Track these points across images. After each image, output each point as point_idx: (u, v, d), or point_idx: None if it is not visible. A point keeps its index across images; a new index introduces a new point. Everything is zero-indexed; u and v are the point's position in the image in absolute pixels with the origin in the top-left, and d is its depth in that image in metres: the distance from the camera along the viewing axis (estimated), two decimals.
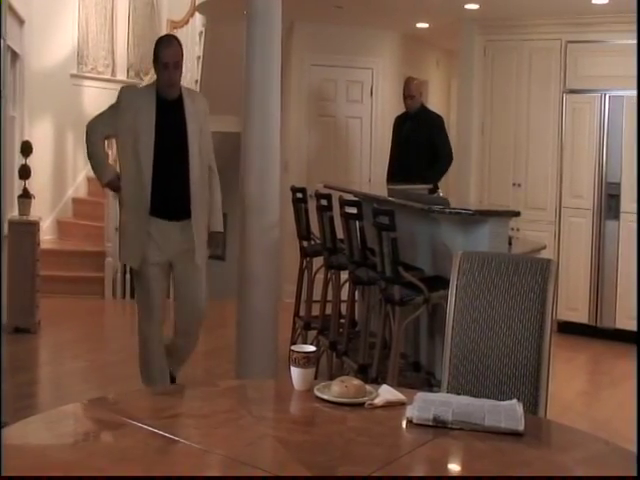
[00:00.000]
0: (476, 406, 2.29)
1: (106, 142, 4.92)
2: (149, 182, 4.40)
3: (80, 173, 9.30)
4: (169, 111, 4.46)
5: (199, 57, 8.76)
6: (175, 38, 4.66)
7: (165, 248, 4.54)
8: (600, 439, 2.27)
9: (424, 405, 2.25)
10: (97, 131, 4.57)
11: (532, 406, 2.77)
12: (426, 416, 2.20)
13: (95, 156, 4.62)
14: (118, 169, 4.67)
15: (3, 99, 7.45)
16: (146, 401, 2.49)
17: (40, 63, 8.65)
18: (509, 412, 2.25)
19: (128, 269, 8.25)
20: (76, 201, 9.21)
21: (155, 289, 4.64)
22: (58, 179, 9.01)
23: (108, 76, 9.67)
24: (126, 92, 4.60)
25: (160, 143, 4.40)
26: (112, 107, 4.57)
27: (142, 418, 2.23)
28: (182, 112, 4.47)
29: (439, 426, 2.17)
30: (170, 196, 4.49)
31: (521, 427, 2.17)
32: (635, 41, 6.95)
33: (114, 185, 4.65)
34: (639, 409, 3.51)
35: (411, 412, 2.22)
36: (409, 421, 2.20)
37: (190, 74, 9.05)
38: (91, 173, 9.24)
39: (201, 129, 4.54)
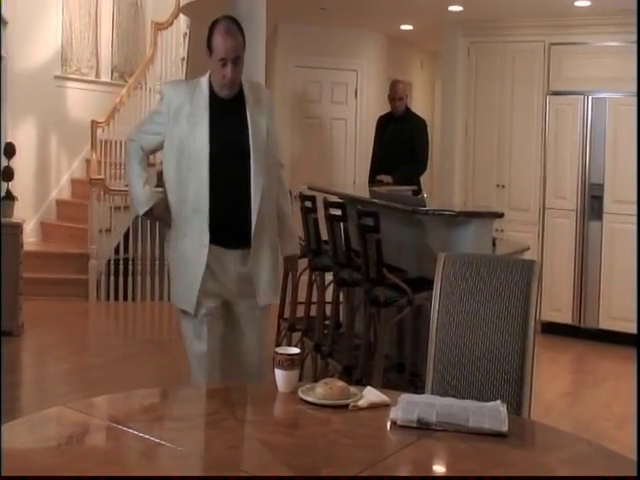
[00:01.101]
0: (460, 407, 2.29)
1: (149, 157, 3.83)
2: (206, 203, 3.46)
3: (64, 175, 9.26)
4: (227, 114, 3.52)
5: (183, 58, 8.76)
6: (236, 23, 3.52)
7: (223, 283, 3.58)
8: (583, 439, 2.28)
9: (408, 407, 2.25)
10: (134, 145, 3.65)
11: (516, 407, 2.78)
12: (410, 418, 2.20)
13: (129, 177, 3.74)
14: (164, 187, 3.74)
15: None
16: (129, 404, 2.48)
17: (23, 64, 8.61)
18: (493, 413, 2.26)
19: (113, 271, 8.24)
20: (60, 203, 9.16)
21: (211, 337, 3.61)
22: (42, 181, 8.97)
23: (92, 77, 9.62)
24: (171, 90, 3.61)
25: (217, 156, 3.46)
26: (155, 112, 3.68)
27: (125, 421, 2.22)
28: (244, 115, 3.52)
29: (423, 427, 2.18)
30: (229, 218, 3.54)
31: (505, 428, 2.18)
32: (618, 43, 7.01)
33: (157, 216, 3.72)
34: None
35: (395, 414, 2.22)
36: (393, 423, 2.20)
37: (175, 77, 9.06)
38: (75, 175, 9.32)
39: (268, 133, 3.59)
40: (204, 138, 3.44)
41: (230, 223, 3.52)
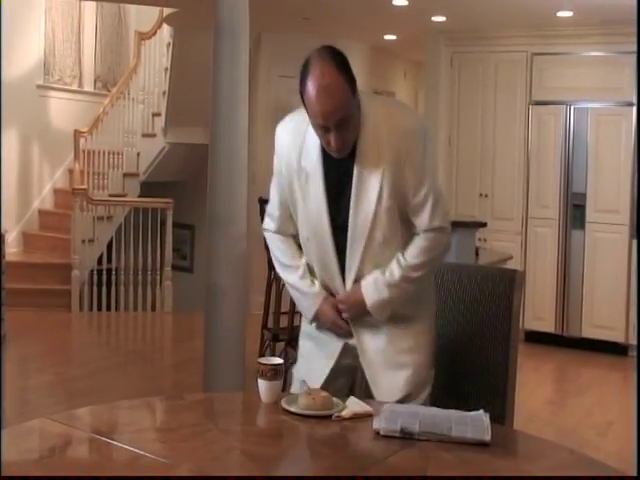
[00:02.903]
0: (443, 417, 2.29)
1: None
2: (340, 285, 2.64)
3: (46, 185, 9.23)
4: (340, 174, 2.55)
5: (167, 68, 8.75)
6: (336, 62, 2.43)
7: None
8: (565, 448, 2.29)
9: (391, 416, 2.25)
10: (268, 235, 2.83)
11: (499, 416, 2.79)
12: (393, 427, 2.20)
13: (282, 276, 2.84)
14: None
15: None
16: (112, 415, 2.47)
17: (5, 73, 8.58)
18: (476, 422, 2.26)
19: (96, 281, 8.21)
20: (42, 213, 9.13)
21: None
22: (24, 191, 8.93)
23: (75, 87, 9.61)
24: (284, 137, 2.70)
25: (336, 226, 2.59)
26: (275, 174, 2.79)
27: (108, 433, 2.21)
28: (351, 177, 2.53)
29: (406, 437, 2.18)
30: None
31: (487, 437, 2.18)
32: (600, 53, 7.06)
33: (326, 320, 2.69)
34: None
35: (378, 424, 2.22)
36: (376, 433, 2.20)
37: (158, 87, 9.05)
38: (58, 184, 9.28)
39: (393, 190, 2.50)
40: (322, 204, 2.58)
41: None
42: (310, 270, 2.70)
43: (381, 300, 2.58)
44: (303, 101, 2.44)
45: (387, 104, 2.63)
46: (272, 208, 2.79)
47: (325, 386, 2.55)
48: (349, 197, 2.53)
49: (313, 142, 2.54)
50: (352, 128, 2.45)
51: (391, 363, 2.65)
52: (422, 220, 2.56)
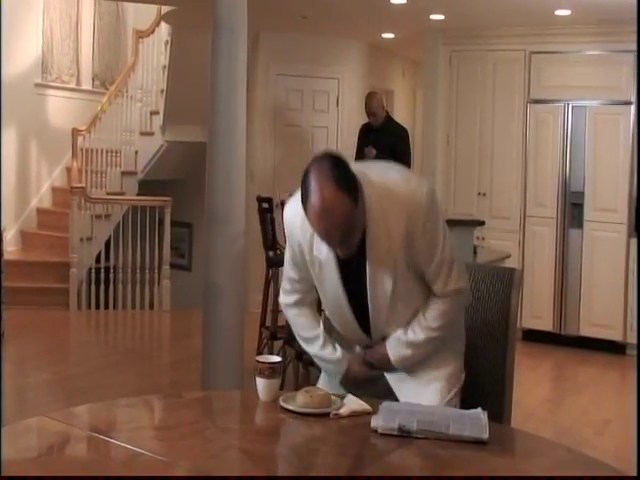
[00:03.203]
0: (441, 415, 2.30)
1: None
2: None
3: (44, 183, 9.22)
4: (353, 259, 2.52)
5: (165, 67, 8.75)
6: (335, 181, 2.31)
7: None
8: (563, 446, 2.29)
9: (389, 414, 2.26)
10: (287, 310, 2.82)
11: (496, 414, 2.79)
12: (391, 425, 2.20)
13: (305, 348, 2.84)
14: None
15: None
16: (110, 413, 2.47)
17: (3, 72, 8.57)
18: (473, 421, 2.27)
19: (94, 279, 8.21)
20: (40, 211, 9.12)
21: None
22: (22, 189, 8.92)
23: (73, 85, 9.59)
24: (293, 223, 2.60)
25: (356, 305, 2.61)
26: (287, 260, 2.72)
27: (106, 431, 2.22)
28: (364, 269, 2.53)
29: (404, 435, 2.18)
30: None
31: (485, 435, 2.19)
32: (598, 52, 7.07)
33: (354, 377, 2.72)
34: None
35: (376, 422, 2.23)
36: (374, 431, 2.21)
37: (156, 86, 9.05)
38: (56, 183, 9.28)
39: (407, 265, 2.52)
40: (338, 293, 2.60)
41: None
42: (329, 329, 2.74)
43: (404, 357, 2.63)
44: (306, 214, 2.37)
45: (391, 184, 2.49)
46: (288, 283, 2.76)
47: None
48: (365, 280, 2.53)
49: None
50: (355, 236, 2.41)
51: (421, 380, 2.66)
52: (438, 286, 2.58)
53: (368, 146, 7.07)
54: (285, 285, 2.76)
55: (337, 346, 2.72)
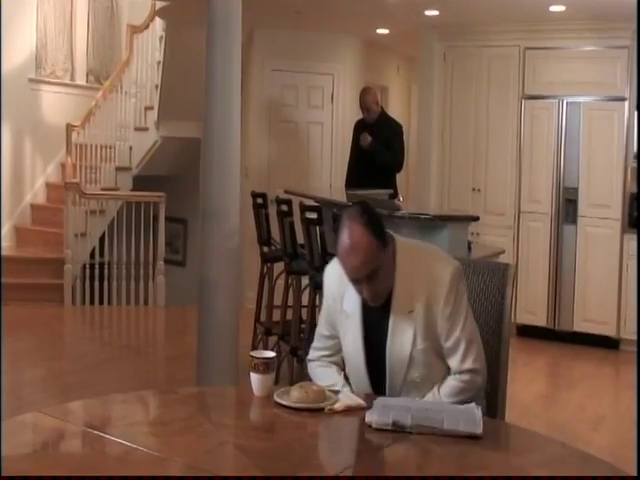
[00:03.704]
0: (435, 410, 2.30)
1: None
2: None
3: (39, 179, 9.20)
4: (377, 317, 2.66)
5: (159, 62, 8.73)
6: (364, 221, 2.51)
7: None
8: (557, 442, 2.30)
9: (383, 410, 2.26)
10: (311, 365, 2.85)
11: (491, 409, 2.80)
12: (385, 421, 2.21)
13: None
14: None
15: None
16: (105, 409, 2.47)
17: (3, 71, 8.54)
18: (468, 416, 2.27)
19: (88, 275, 8.20)
20: (34, 207, 9.10)
21: None
22: (16, 185, 8.89)
23: (67, 81, 9.56)
24: (331, 280, 2.79)
25: (373, 365, 2.68)
26: (322, 312, 2.88)
27: (101, 427, 2.22)
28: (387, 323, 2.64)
29: (398, 430, 2.19)
30: None
31: (479, 430, 2.19)
32: (592, 48, 7.07)
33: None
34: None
35: (370, 417, 2.23)
36: (368, 426, 2.21)
37: (151, 81, 9.04)
38: (50, 179, 9.25)
39: (427, 333, 2.61)
40: (359, 350, 2.69)
41: None
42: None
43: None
44: (338, 255, 2.57)
45: (422, 252, 2.71)
46: (318, 340, 2.85)
47: None
48: (386, 341, 2.62)
49: (353, 291, 2.64)
50: (382, 278, 2.55)
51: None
52: (454, 362, 2.61)
53: (363, 135, 7.09)
54: (315, 343, 2.85)
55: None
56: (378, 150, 6.95)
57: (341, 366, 2.77)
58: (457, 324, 2.60)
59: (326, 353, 2.80)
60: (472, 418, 2.26)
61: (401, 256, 2.61)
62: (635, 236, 6.74)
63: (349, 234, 2.50)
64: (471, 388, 2.62)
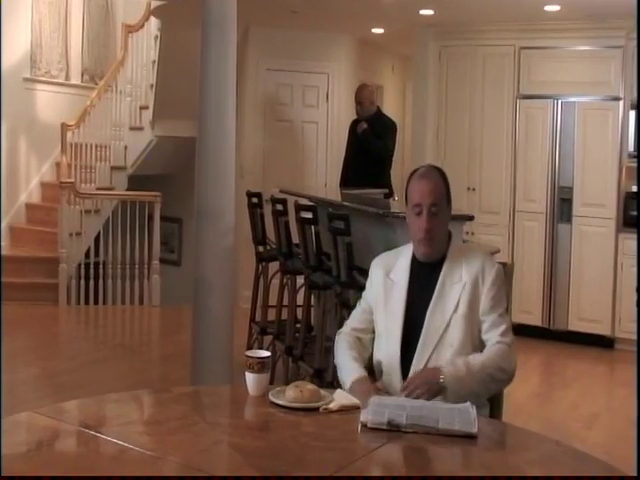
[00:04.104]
0: (430, 409, 2.31)
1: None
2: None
3: (33, 178, 9.18)
4: (423, 285, 2.85)
5: (154, 61, 8.72)
6: (438, 170, 2.97)
7: None
8: (551, 440, 2.30)
9: (378, 409, 2.26)
10: (341, 337, 2.97)
11: (486, 408, 2.80)
12: (380, 420, 2.21)
13: (338, 369, 2.91)
14: None
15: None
16: (99, 409, 2.47)
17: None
18: (463, 415, 2.27)
19: (83, 274, 8.18)
20: (29, 207, 9.08)
21: None
22: (11, 184, 8.87)
23: (62, 80, 9.55)
24: (374, 267, 3.02)
25: (409, 330, 2.82)
26: (361, 297, 3.06)
27: (95, 426, 2.21)
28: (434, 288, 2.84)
29: (393, 430, 2.19)
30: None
31: (474, 429, 2.19)
32: (587, 47, 7.08)
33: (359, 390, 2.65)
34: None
35: (365, 416, 2.23)
36: (363, 425, 2.21)
37: (146, 80, 9.03)
38: (45, 178, 9.24)
39: (470, 304, 2.78)
40: (399, 311, 2.82)
41: None
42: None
43: (456, 371, 2.64)
44: (406, 200, 2.90)
45: (476, 247, 3.08)
46: (354, 318, 3.00)
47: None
48: (426, 306, 2.78)
49: (405, 259, 2.89)
50: (442, 222, 2.83)
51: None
52: (495, 334, 2.75)
53: (357, 139, 7.11)
54: (349, 320, 3.02)
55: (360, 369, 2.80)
56: (371, 138, 7.02)
57: (367, 348, 2.89)
58: (499, 307, 2.78)
59: (358, 327, 2.93)
60: (467, 417, 2.26)
61: (455, 243, 2.90)
62: (635, 235, 6.75)
63: (425, 171, 2.89)
64: (506, 361, 2.72)
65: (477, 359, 2.69)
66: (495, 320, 2.75)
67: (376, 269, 2.97)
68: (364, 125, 7.06)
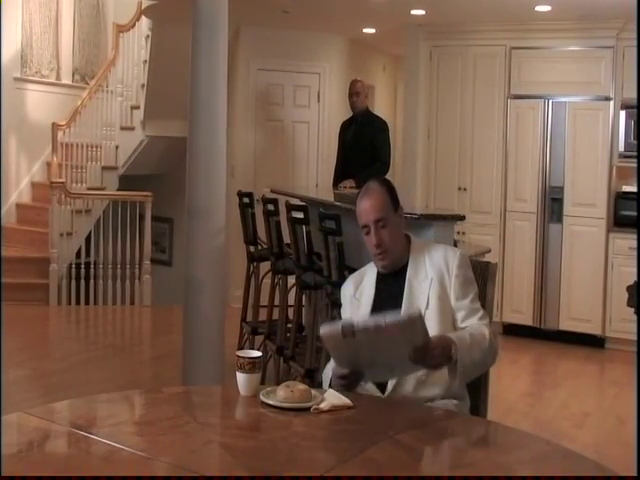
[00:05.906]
0: (378, 316, 2.48)
1: None
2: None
3: (24, 178, 9.16)
4: (387, 292, 2.90)
5: (145, 61, 8.70)
6: (381, 182, 2.98)
7: None
8: (542, 439, 2.31)
9: (333, 322, 2.58)
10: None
11: (474, 407, 2.81)
12: (335, 328, 2.44)
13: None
14: None
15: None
16: (90, 409, 2.47)
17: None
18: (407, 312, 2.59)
19: (74, 275, 8.17)
20: (20, 207, 9.06)
21: None
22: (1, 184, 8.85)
23: (53, 80, 9.52)
24: (344, 286, 3.05)
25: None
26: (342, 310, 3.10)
27: (86, 426, 2.21)
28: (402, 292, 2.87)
29: (347, 334, 2.39)
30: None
31: (416, 313, 2.46)
32: (578, 47, 7.10)
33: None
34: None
35: (322, 330, 2.47)
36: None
37: (137, 80, 9.01)
38: (36, 178, 9.21)
39: (440, 297, 2.81)
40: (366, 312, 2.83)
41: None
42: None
43: (463, 338, 2.62)
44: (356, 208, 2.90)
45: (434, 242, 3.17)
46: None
47: None
48: (400, 307, 2.77)
49: (370, 276, 2.92)
50: (392, 232, 2.82)
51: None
52: (473, 320, 2.75)
53: (348, 140, 7.05)
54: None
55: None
56: (363, 176, 6.77)
57: None
58: (470, 291, 2.79)
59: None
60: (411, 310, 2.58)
61: (416, 242, 2.92)
62: (625, 235, 6.80)
63: (366, 188, 2.90)
64: (489, 340, 2.67)
65: (477, 329, 2.69)
66: (469, 307, 2.76)
67: (345, 292, 3.00)
68: (352, 184, 6.65)
